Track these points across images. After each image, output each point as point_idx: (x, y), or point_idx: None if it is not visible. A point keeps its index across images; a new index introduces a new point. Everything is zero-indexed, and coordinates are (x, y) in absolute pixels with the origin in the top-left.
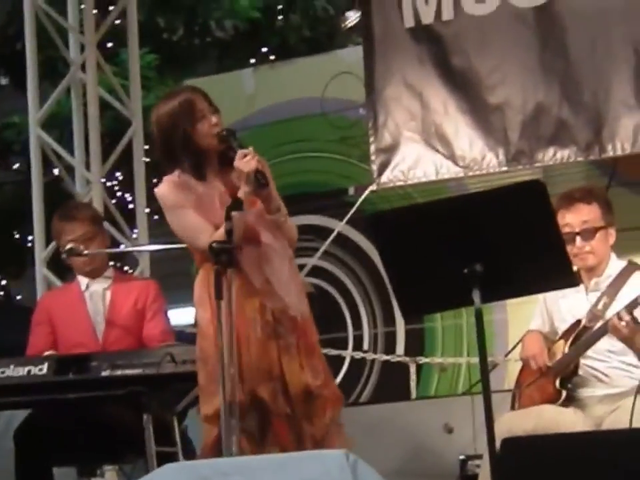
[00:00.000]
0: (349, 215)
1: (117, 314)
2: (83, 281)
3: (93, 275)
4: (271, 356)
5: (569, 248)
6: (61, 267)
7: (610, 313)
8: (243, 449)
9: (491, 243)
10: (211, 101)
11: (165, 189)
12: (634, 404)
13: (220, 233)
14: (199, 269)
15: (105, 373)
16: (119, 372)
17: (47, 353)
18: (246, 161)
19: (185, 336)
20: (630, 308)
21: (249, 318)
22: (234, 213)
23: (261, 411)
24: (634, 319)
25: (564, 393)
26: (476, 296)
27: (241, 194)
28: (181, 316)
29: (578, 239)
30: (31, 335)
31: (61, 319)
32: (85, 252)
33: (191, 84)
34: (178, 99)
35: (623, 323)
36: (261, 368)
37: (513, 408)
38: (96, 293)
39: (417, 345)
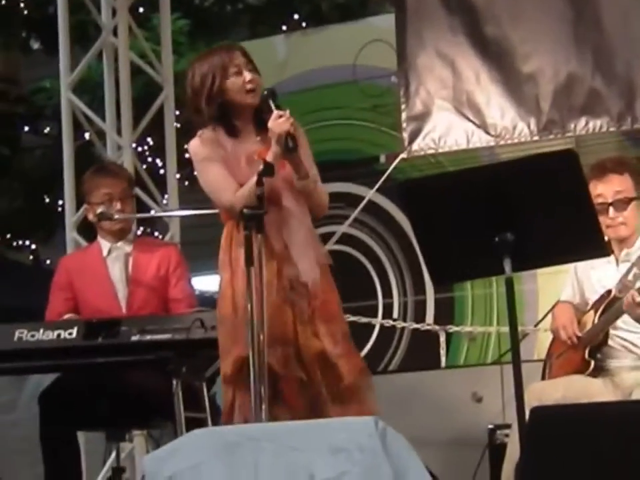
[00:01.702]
0: (379, 183)
1: (141, 278)
2: (104, 244)
3: (119, 236)
4: (286, 320)
5: (601, 219)
6: (91, 232)
7: (638, 285)
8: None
9: (522, 211)
10: (251, 59)
11: (195, 143)
12: None
13: (242, 193)
14: (224, 225)
15: (134, 338)
16: (148, 337)
17: (67, 316)
18: (280, 122)
19: (214, 302)
20: None
21: (267, 281)
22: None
23: (270, 375)
24: None
25: (592, 363)
26: (507, 265)
27: (269, 155)
28: (210, 282)
29: (611, 209)
30: (50, 297)
31: (82, 282)
32: (116, 216)
33: None
34: (216, 53)
35: (637, 302)
36: (273, 332)
37: (543, 378)
38: (118, 257)
39: (446, 313)
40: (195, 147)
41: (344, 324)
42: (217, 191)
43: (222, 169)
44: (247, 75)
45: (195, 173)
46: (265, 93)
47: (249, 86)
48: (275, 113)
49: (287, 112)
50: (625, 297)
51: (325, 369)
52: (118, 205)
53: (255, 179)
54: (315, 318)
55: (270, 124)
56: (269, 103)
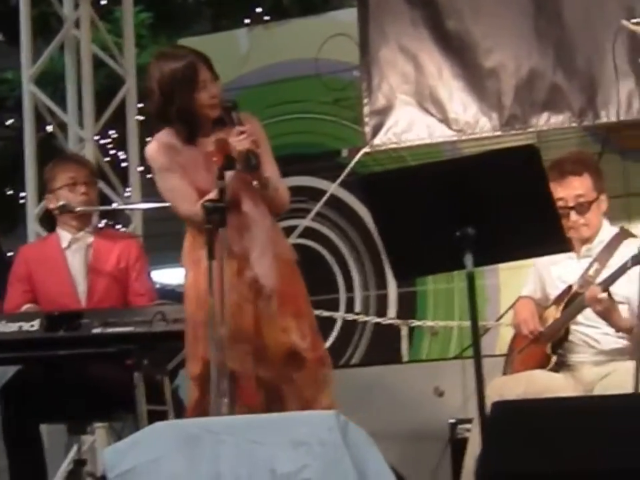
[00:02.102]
0: (341, 177)
1: (101, 269)
2: (64, 235)
3: (80, 225)
4: (245, 319)
5: (563, 221)
6: (53, 224)
7: (601, 279)
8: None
9: (484, 206)
10: (213, 68)
11: (153, 148)
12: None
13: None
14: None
15: (96, 331)
16: (110, 330)
17: (26, 307)
18: (240, 140)
19: (176, 295)
20: (605, 285)
21: (226, 280)
22: (227, 173)
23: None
24: (609, 294)
25: (554, 358)
26: (468, 259)
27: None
28: (172, 275)
29: (572, 213)
30: (8, 288)
31: (40, 273)
32: (78, 208)
33: (185, 43)
34: (182, 63)
35: (599, 298)
36: (232, 330)
37: (505, 373)
38: (78, 249)
39: (408, 308)
40: (152, 153)
41: (312, 317)
42: (174, 201)
43: (179, 179)
44: (212, 89)
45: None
46: (228, 105)
47: (213, 101)
48: (236, 129)
49: (248, 127)
50: (587, 292)
51: (294, 363)
52: (82, 189)
53: (215, 192)
54: (283, 314)
55: (230, 140)
56: (230, 115)
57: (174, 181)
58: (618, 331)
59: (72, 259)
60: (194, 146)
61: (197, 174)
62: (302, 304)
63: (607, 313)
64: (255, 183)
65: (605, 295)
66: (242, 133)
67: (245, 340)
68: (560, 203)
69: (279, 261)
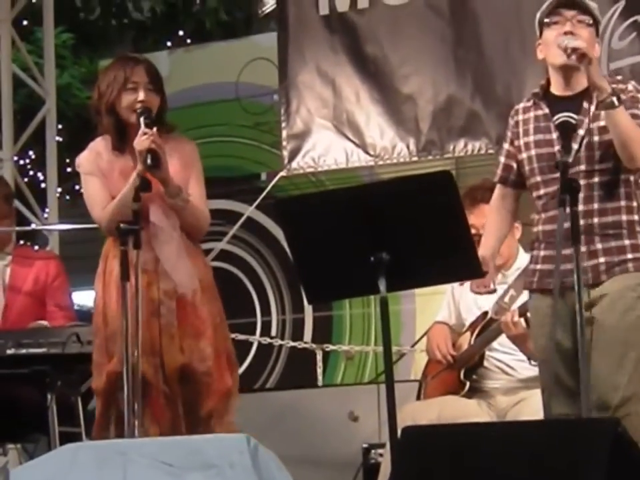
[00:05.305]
0: (258, 201)
1: (19, 289)
2: None
3: None
4: (153, 333)
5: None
6: None
7: (516, 307)
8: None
9: (398, 232)
10: (156, 79)
11: (81, 156)
12: None
13: (107, 210)
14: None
15: (9, 351)
16: (23, 350)
17: None
18: (141, 140)
19: (91, 317)
20: (522, 310)
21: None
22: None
23: (143, 384)
24: (526, 320)
25: (467, 384)
26: (381, 284)
27: (135, 172)
28: (88, 297)
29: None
30: None
31: None
32: None
33: (106, 64)
34: (122, 64)
35: (514, 322)
36: (143, 344)
37: (418, 399)
38: None
39: (324, 332)
40: (80, 158)
41: (222, 341)
42: (89, 206)
43: (99, 184)
44: (141, 95)
45: (77, 187)
46: (138, 110)
47: (137, 105)
48: (141, 130)
49: (153, 130)
50: (504, 317)
51: (186, 385)
52: None
53: (119, 196)
54: (182, 333)
55: (134, 141)
56: (139, 120)
57: (94, 186)
58: (529, 358)
59: None
60: (122, 155)
61: (112, 182)
62: (205, 327)
63: (521, 338)
64: (166, 194)
65: (521, 319)
66: (145, 134)
67: (154, 354)
68: (472, 230)
69: None
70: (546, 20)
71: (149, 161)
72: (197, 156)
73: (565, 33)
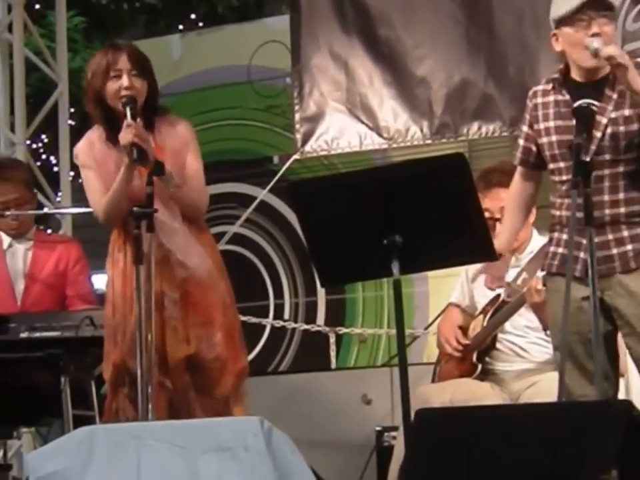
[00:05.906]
0: (271, 184)
1: (38, 274)
2: (5, 239)
3: (17, 236)
4: (153, 325)
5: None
6: None
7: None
8: (128, 416)
9: (411, 214)
10: (141, 63)
11: (78, 147)
12: None
13: (105, 201)
14: None
15: (23, 335)
16: (37, 334)
17: None
18: (124, 134)
19: (103, 300)
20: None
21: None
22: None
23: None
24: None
25: (479, 367)
26: (395, 267)
27: (123, 166)
28: (102, 281)
29: (498, 224)
30: None
31: None
32: (7, 213)
33: None
34: (105, 52)
35: (538, 289)
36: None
37: (433, 382)
38: (17, 252)
39: (337, 315)
40: (77, 149)
41: (231, 327)
42: (88, 195)
43: (93, 176)
44: (125, 81)
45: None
46: (123, 100)
47: (122, 92)
48: (125, 122)
49: (137, 123)
50: (527, 288)
51: (195, 373)
52: (10, 210)
53: (111, 191)
54: (189, 323)
55: (119, 135)
56: (125, 109)
57: (88, 178)
58: (544, 329)
59: (11, 261)
60: (114, 146)
61: (107, 174)
62: (215, 314)
63: (541, 305)
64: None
65: (544, 288)
66: (129, 126)
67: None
68: (486, 214)
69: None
70: (567, 16)
71: (134, 155)
72: (192, 134)
73: (592, 35)
